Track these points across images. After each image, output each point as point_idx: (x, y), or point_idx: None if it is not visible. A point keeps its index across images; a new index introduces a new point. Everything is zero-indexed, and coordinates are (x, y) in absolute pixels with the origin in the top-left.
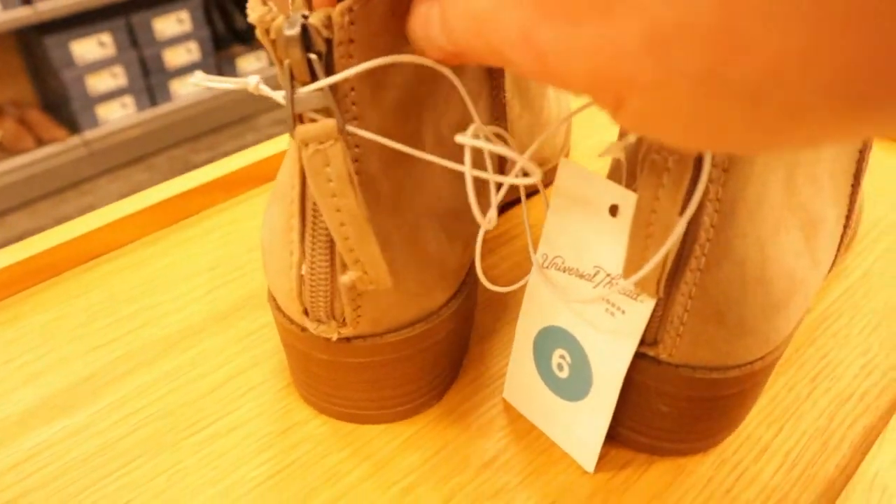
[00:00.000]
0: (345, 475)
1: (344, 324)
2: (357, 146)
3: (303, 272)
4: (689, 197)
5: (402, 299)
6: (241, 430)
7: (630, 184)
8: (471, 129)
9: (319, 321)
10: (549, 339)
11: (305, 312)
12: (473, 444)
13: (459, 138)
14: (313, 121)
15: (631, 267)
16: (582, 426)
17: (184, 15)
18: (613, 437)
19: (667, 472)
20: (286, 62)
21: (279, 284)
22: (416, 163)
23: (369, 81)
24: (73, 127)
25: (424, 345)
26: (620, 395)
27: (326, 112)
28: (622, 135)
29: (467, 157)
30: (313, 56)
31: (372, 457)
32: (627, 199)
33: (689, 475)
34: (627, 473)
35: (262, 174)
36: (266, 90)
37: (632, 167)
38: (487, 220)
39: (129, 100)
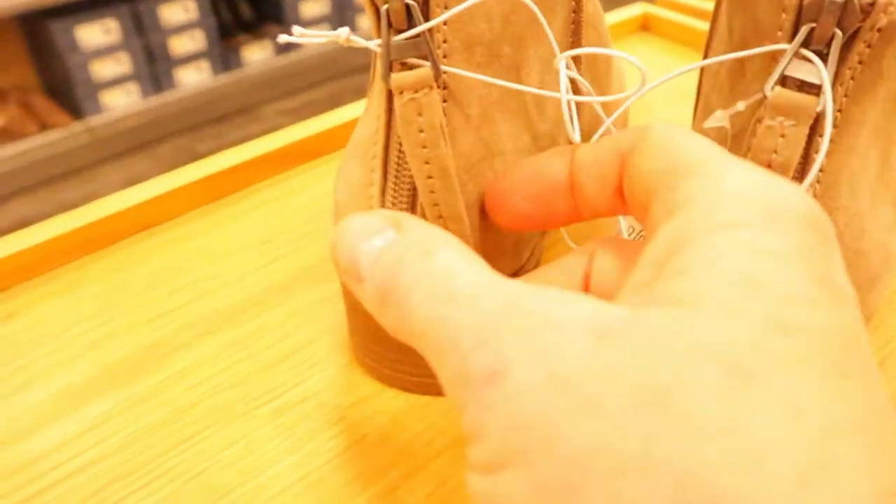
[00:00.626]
0: (424, 447)
1: None
2: (445, 101)
3: None
4: (802, 166)
5: (494, 255)
6: (312, 401)
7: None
8: (561, 57)
9: None
10: None
11: None
12: None
13: (558, 60)
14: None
15: None
16: None
17: (190, 3)
18: None
19: None
20: (384, 8)
21: None
22: (501, 121)
23: (461, 33)
24: (76, 113)
25: None
26: None
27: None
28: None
29: (563, 79)
30: (412, 2)
31: (450, 430)
32: None
33: None
34: None
35: (311, 149)
36: (358, 40)
37: (737, 138)
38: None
39: (133, 86)
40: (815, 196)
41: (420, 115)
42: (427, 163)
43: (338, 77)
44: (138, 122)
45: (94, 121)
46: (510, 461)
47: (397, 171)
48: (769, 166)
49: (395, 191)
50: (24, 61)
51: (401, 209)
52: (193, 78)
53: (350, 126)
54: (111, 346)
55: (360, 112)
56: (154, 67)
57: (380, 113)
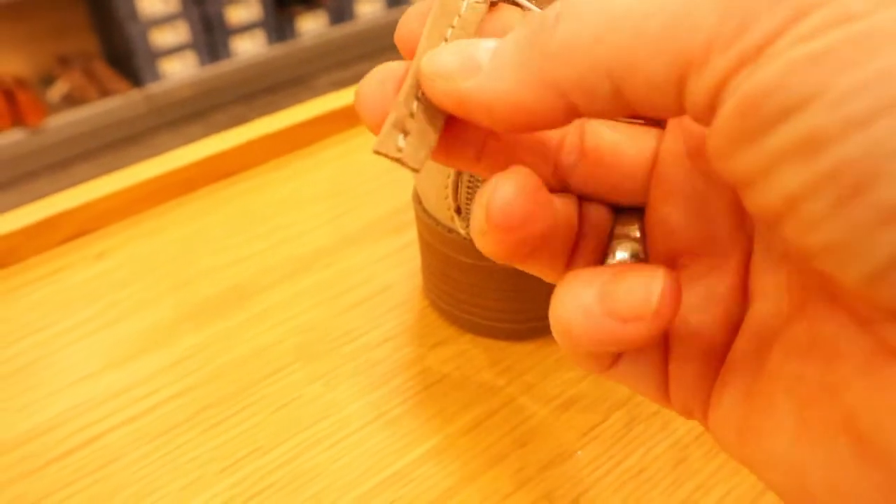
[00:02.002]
0: (501, 389)
1: None
2: None
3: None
4: None
5: None
6: (390, 344)
7: None
8: None
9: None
10: None
11: (458, 210)
12: None
13: None
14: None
15: None
16: None
17: None
18: None
19: None
20: None
21: (432, 181)
22: None
23: None
24: (135, 80)
25: None
26: None
27: None
28: None
29: None
30: None
31: (527, 373)
32: None
33: None
34: None
35: None
36: None
37: None
38: None
39: (190, 55)
40: None
41: (459, 13)
42: None
43: (391, 48)
44: (194, 91)
45: (152, 88)
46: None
47: None
48: None
49: None
50: (87, 29)
51: None
52: (249, 47)
53: None
54: (196, 286)
55: None
56: (211, 36)
57: None
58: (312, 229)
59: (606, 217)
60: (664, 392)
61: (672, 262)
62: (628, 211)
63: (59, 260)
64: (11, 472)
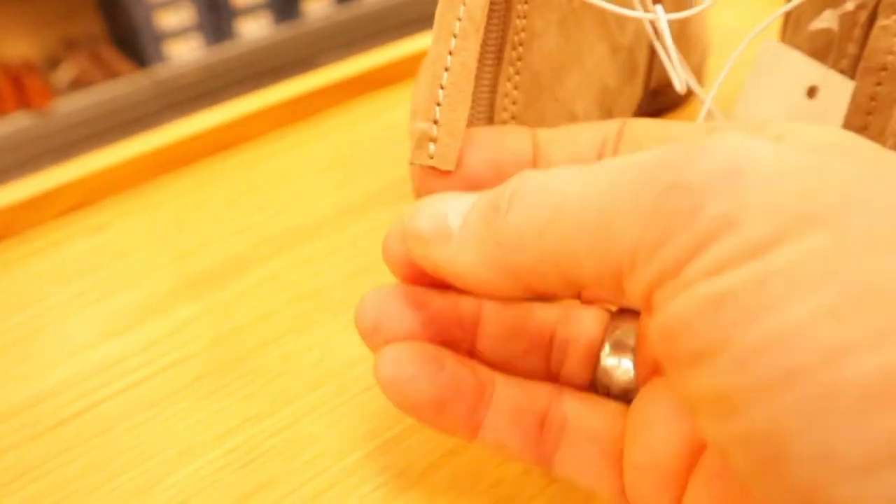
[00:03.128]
0: None
1: None
2: (526, 2)
3: None
4: None
5: None
6: None
7: (838, 61)
8: None
9: None
10: None
11: None
12: None
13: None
14: None
15: None
16: None
17: None
18: None
19: None
20: None
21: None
22: (581, 32)
23: None
24: (141, 63)
25: None
26: None
27: None
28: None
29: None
30: None
31: None
32: (829, 80)
33: None
34: None
35: (382, 77)
36: None
37: (843, 40)
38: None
39: (196, 37)
40: None
41: (464, 3)
42: (451, 53)
43: (397, 29)
44: (200, 72)
45: (158, 70)
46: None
47: (478, 73)
48: (884, 68)
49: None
50: (93, 12)
51: (477, 112)
52: (254, 28)
53: (416, 58)
54: (194, 257)
55: (423, 45)
56: (216, 18)
57: None
58: (313, 200)
59: None
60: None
61: None
62: None
63: (57, 233)
64: (10, 439)
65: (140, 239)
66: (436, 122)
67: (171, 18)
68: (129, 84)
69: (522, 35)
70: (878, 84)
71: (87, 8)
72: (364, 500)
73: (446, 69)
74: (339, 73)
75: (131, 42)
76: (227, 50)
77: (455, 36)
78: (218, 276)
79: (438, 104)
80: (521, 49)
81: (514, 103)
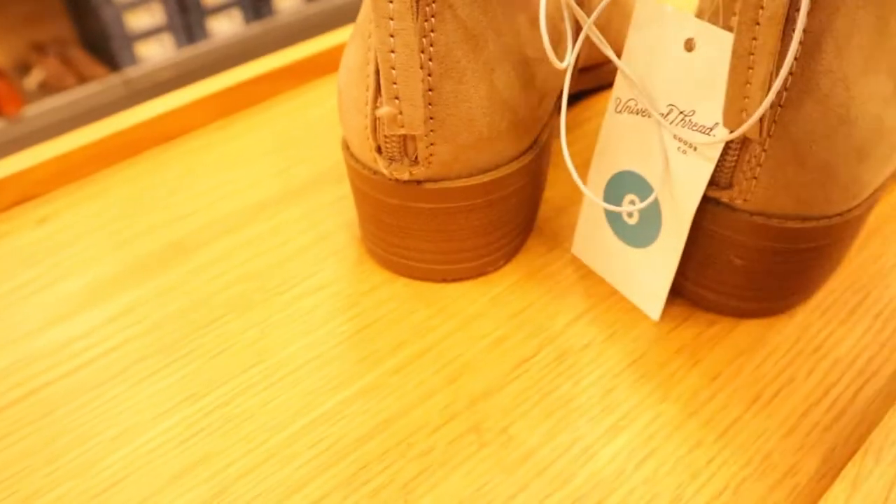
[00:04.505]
0: (433, 329)
1: (416, 162)
2: None
3: (378, 105)
4: (786, 33)
5: (473, 141)
6: (327, 290)
7: (728, 19)
8: None
9: (392, 159)
10: (620, 186)
11: (378, 150)
12: (557, 302)
13: None
14: None
15: (731, 112)
16: (649, 272)
17: None
18: (684, 294)
19: (753, 330)
20: None
21: (354, 124)
22: (498, 4)
23: None
24: (112, 65)
25: (494, 196)
26: (693, 248)
27: None
28: None
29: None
30: None
31: (459, 314)
32: (705, 32)
33: (776, 334)
34: (714, 331)
35: (325, 63)
36: None
37: (727, 7)
38: (564, 63)
39: (167, 37)
40: (795, 58)
41: None
42: (392, 36)
43: None
44: (173, 73)
45: (130, 72)
46: None
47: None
48: (757, 23)
49: None
50: (62, 15)
51: None
52: (226, 27)
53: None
54: (137, 243)
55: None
56: (187, 18)
57: None
58: (255, 184)
59: None
60: None
61: None
62: None
63: (2, 225)
64: None
65: (84, 229)
66: (397, 97)
67: (142, 19)
68: (101, 86)
69: (434, 6)
70: (755, 38)
71: (56, 12)
72: (298, 470)
73: (392, 51)
74: (284, 59)
75: (102, 44)
76: (199, 49)
77: (392, 19)
78: (160, 261)
79: (395, 83)
80: (433, 20)
81: (429, 75)
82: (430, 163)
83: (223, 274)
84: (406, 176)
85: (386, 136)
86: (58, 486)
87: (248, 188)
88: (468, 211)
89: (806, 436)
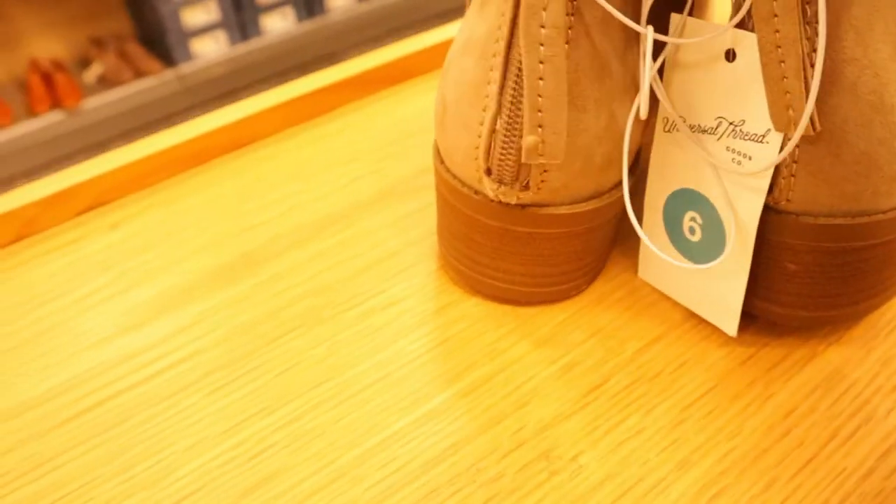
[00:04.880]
0: (504, 351)
1: (527, 188)
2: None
3: (497, 127)
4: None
5: (586, 170)
6: (396, 307)
7: (746, 21)
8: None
9: (502, 182)
10: (678, 204)
11: (488, 172)
12: (627, 328)
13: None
14: None
15: (777, 111)
16: (720, 287)
17: None
18: (754, 310)
19: (830, 363)
20: None
21: (460, 141)
22: (628, 29)
23: None
24: (168, 61)
25: (595, 223)
26: (752, 260)
27: None
28: None
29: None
30: None
31: (529, 336)
32: (742, 40)
33: (854, 368)
34: (788, 364)
35: (393, 75)
36: None
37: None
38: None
39: (221, 34)
40: (813, 49)
41: (544, 9)
42: (542, 62)
43: (419, 24)
44: (226, 70)
45: (185, 68)
46: None
47: (519, 71)
48: (774, 14)
49: (514, 91)
50: (121, 10)
51: (518, 111)
52: (278, 25)
53: (430, 52)
54: (206, 254)
55: (438, 39)
56: (241, 15)
57: (504, 9)
58: (325, 196)
59: None
60: None
61: None
62: None
63: (76, 230)
64: (30, 430)
65: (155, 236)
66: (541, 126)
67: (198, 16)
68: (156, 81)
69: (571, 32)
70: (777, 31)
71: (115, 7)
72: (368, 491)
73: (541, 79)
74: (353, 69)
75: (158, 40)
76: (251, 46)
77: (542, 45)
78: (230, 272)
79: (540, 111)
80: (567, 47)
81: (539, 96)
82: (539, 189)
83: (292, 288)
84: (513, 200)
85: (500, 160)
86: (130, 497)
87: (318, 199)
88: (568, 237)
89: (885, 479)
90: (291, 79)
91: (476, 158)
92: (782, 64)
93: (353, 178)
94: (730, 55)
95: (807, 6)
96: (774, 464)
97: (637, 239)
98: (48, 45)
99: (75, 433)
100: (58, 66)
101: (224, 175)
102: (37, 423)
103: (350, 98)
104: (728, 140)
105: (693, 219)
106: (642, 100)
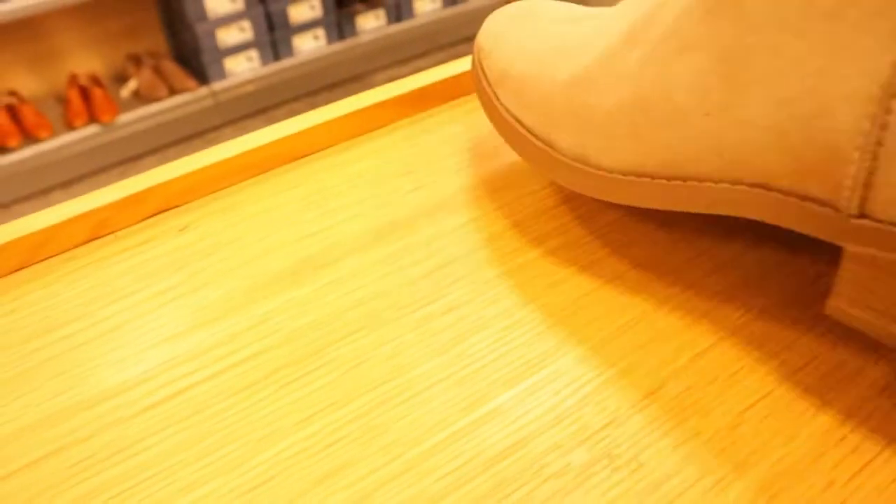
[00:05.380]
0: (564, 355)
1: None
2: None
3: None
4: None
5: None
6: (456, 312)
7: None
8: None
9: None
10: None
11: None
12: (681, 336)
13: None
14: None
15: None
16: None
17: None
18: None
19: (886, 371)
20: None
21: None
22: None
23: None
24: (202, 78)
25: None
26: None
27: None
28: None
29: None
30: None
31: (588, 340)
32: None
33: None
34: (844, 373)
35: (444, 93)
36: None
37: None
38: None
39: (254, 53)
40: None
41: None
42: None
43: (447, 46)
44: (258, 88)
45: (218, 86)
46: None
47: None
48: None
49: None
50: (157, 29)
51: None
52: (310, 45)
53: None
54: (271, 257)
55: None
56: (273, 35)
57: None
58: (383, 205)
59: None
60: None
61: None
62: None
63: (146, 232)
64: (106, 420)
65: (221, 239)
66: None
67: (232, 36)
68: (190, 98)
69: None
70: None
71: (151, 25)
72: (435, 485)
73: None
74: (402, 88)
75: (193, 58)
76: (283, 65)
77: None
78: (293, 275)
79: None
80: None
81: None
82: None
83: (353, 291)
84: None
85: None
86: (209, 482)
87: (376, 208)
88: None
89: None
90: (321, 98)
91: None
92: None
93: (408, 189)
94: None
95: None
96: (832, 467)
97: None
98: (87, 62)
99: (153, 422)
100: (95, 81)
101: (285, 184)
102: (117, 411)
103: (403, 114)
104: None
105: None
106: None
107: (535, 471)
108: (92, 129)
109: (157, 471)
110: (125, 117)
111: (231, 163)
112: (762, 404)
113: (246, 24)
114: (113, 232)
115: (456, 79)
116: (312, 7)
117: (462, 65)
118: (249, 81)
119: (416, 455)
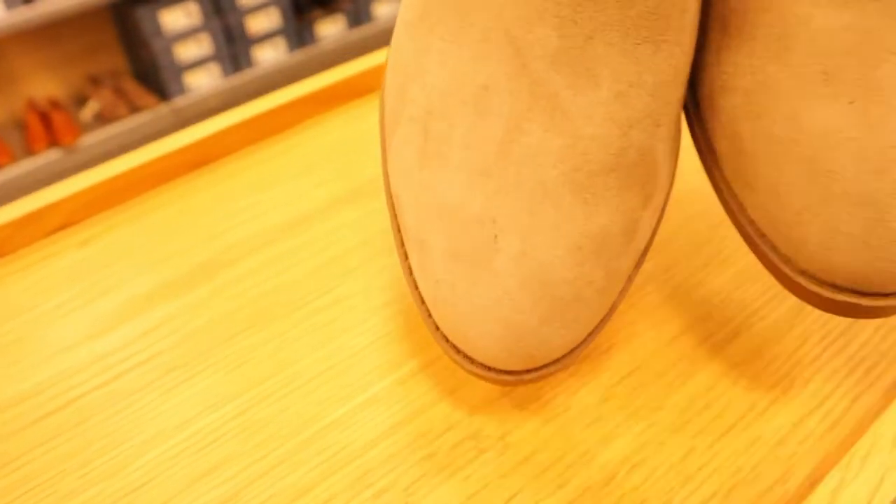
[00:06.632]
0: (436, 344)
1: None
2: None
3: None
4: None
5: None
6: (343, 303)
7: None
8: None
9: None
10: None
11: None
12: None
13: None
14: None
15: None
16: None
17: None
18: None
19: (752, 341)
20: None
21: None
22: None
23: None
24: (162, 95)
25: None
26: None
27: None
28: None
29: None
30: None
31: None
32: None
33: (774, 344)
34: (715, 340)
35: (343, 93)
36: None
37: None
38: None
39: (214, 67)
40: None
41: None
42: None
43: None
44: (220, 101)
45: (179, 101)
46: None
47: None
48: None
49: None
50: (116, 48)
51: None
52: (270, 55)
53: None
54: (169, 263)
55: (380, 60)
56: (233, 47)
57: None
58: (281, 205)
59: None
60: None
61: None
62: None
63: (47, 249)
64: (0, 432)
65: (122, 250)
66: None
67: (190, 50)
68: (151, 116)
69: None
70: None
71: (110, 45)
72: (308, 474)
73: None
74: (306, 88)
75: (153, 75)
76: (244, 77)
77: None
78: (190, 279)
79: None
80: None
81: None
82: None
83: (245, 291)
84: None
85: None
86: (91, 487)
87: (274, 209)
88: None
89: (799, 444)
90: None
91: None
92: None
93: (306, 188)
94: None
95: None
96: (694, 434)
97: None
98: (45, 85)
99: (41, 433)
100: (55, 104)
101: (186, 192)
102: (8, 424)
103: (305, 116)
104: None
105: None
106: None
107: (403, 457)
108: (54, 153)
109: (39, 482)
110: (88, 139)
111: (132, 175)
112: (631, 378)
113: (204, 37)
114: (14, 251)
115: (359, 77)
116: (270, 17)
117: (363, 63)
118: (211, 95)
119: (289, 448)
